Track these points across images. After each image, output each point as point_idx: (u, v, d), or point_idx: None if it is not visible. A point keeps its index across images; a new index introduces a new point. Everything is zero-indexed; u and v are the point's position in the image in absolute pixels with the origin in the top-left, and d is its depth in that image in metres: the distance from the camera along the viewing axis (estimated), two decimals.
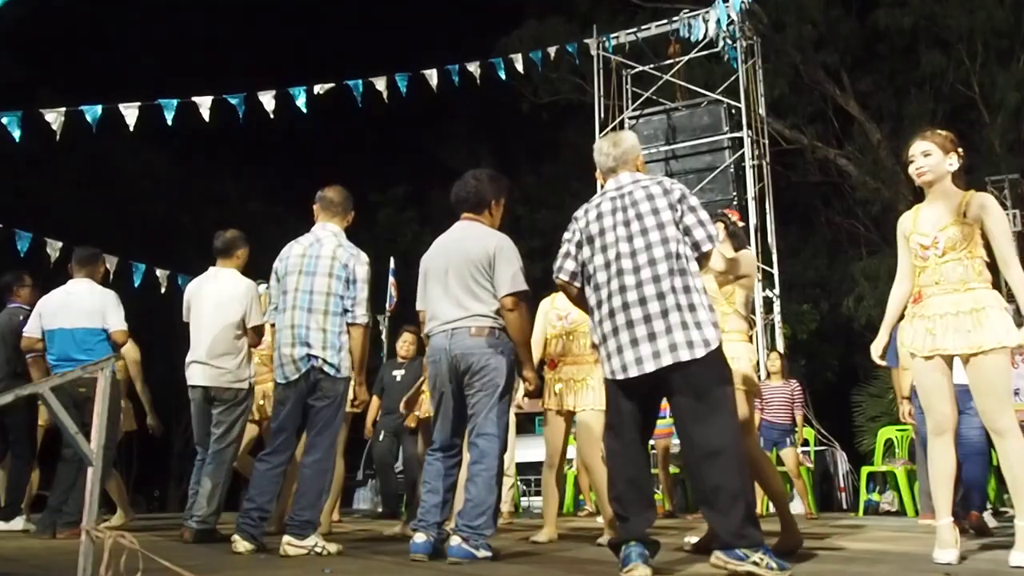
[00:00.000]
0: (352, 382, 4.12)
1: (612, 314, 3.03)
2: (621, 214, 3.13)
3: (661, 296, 2.96)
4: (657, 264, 3.00)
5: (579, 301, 3.29)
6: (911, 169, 3.47)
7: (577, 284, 3.23)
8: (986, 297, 3.26)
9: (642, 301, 2.97)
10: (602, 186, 3.38)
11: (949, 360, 3.35)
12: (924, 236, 3.40)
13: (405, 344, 6.83)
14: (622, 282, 3.03)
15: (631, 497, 2.98)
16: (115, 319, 5.12)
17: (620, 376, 2.99)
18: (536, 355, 4.79)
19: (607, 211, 3.17)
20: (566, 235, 3.29)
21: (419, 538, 3.57)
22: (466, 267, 3.68)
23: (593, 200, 3.28)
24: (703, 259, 3.11)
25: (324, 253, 4.09)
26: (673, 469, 8.53)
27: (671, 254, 3.01)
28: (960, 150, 3.46)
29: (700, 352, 2.89)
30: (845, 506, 10.16)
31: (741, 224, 4.36)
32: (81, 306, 5.10)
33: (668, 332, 2.92)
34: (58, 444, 5.33)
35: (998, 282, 3.41)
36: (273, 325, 4.21)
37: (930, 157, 3.42)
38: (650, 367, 2.92)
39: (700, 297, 3.00)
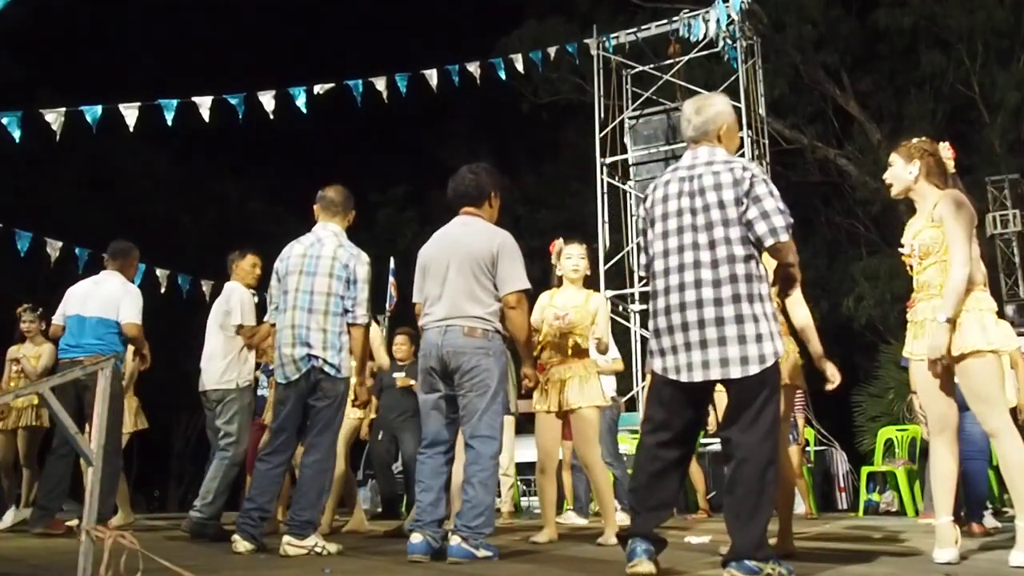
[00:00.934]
0: (353, 382, 4.14)
1: (668, 311, 2.91)
2: (687, 200, 2.93)
3: (719, 303, 2.81)
4: (719, 266, 2.83)
5: None
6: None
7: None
8: (965, 302, 3.24)
9: (699, 303, 2.83)
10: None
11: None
12: (904, 245, 3.46)
13: (400, 347, 6.90)
14: (682, 279, 2.88)
15: (647, 493, 2.94)
16: (127, 311, 5.21)
17: (672, 376, 2.90)
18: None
19: (673, 193, 2.98)
20: (640, 224, 3.17)
21: (416, 539, 3.53)
22: (469, 264, 3.66)
23: (664, 175, 3.10)
24: (771, 253, 2.90)
25: (325, 253, 4.09)
26: None
27: (733, 257, 2.82)
28: (934, 155, 3.46)
29: (753, 369, 2.77)
30: (845, 506, 10.16)
31: None
32: (101, 296, 5.21)
33: (721, 344, 2.80)
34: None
35: (996, 279, 3.45)
36: (274, 325, 4.22)
37: (892, 168, 3.50)
38: (698, 376, 2.84)
39: (762, 306, 2.83)
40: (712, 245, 2.86)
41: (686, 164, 3.04)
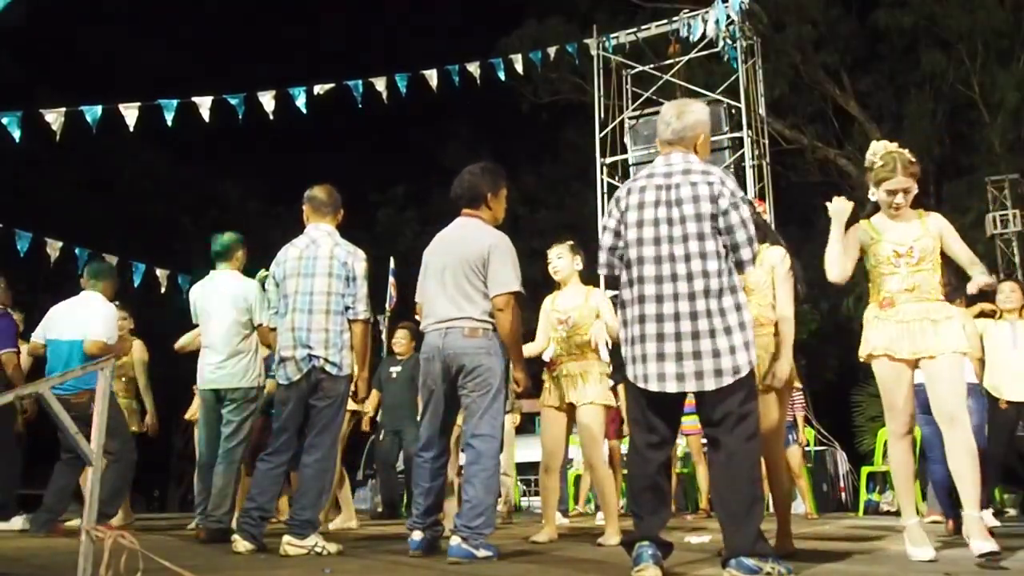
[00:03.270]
0: (355, 379, 4.14)
1: (642, 320, 2.91)
2: (664, 209, 2.93)
3: (694, 316, 2.84)
4: (694, 279, 2.85)
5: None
6: (888, 201, 3.56)
7: (618, 273, 3.09)
8: (949, 307, 3.56)
9: (675, 316, 2.85)
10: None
11: (913, 364, 3.51)
12: (900, 244, 3.55)
13: (400, 341, 6.98)
14: (658, 290, 2.89)
15: (647, 497, 2.95)
16: (95, 329, 5.15)
17: (641, 385, 2.92)
18: (536, 350, 4.78)
19: (650, 201, 2.97)
20: (606, 220, 3.13)
21: (416, 536, 3.62)
22: (461, 267, 3.69)
23: (639, 179, 3.08)
24: (743, 274, 2.98)
25: (322, 254, 4.09)
26: (676, 468, 8.54)
27: (708, 272, 2.85)
28: None
29: (727, 380, 2.81)
30: (845, 506, 10.16)
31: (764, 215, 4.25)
32: (77, 319, 5.21)
33: (696, 358, 2.82)
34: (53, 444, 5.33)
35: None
36: (273, 329, 4.22)
37: (909, 193, 3.57)
38: (672, 388, 2.86)
39: (737, 316, 2.86)
40: (687, 258, 2.88)
41: (662, 171, 3.03)
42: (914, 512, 3.48)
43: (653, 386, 2.89)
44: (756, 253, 2.98)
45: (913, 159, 3.60)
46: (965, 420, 3.39)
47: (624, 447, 8.37)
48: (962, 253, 3.58)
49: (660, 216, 2.95)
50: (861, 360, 3.65)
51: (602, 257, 3.13)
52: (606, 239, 3.11)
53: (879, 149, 3.62)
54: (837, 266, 3.60)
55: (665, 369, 2.87)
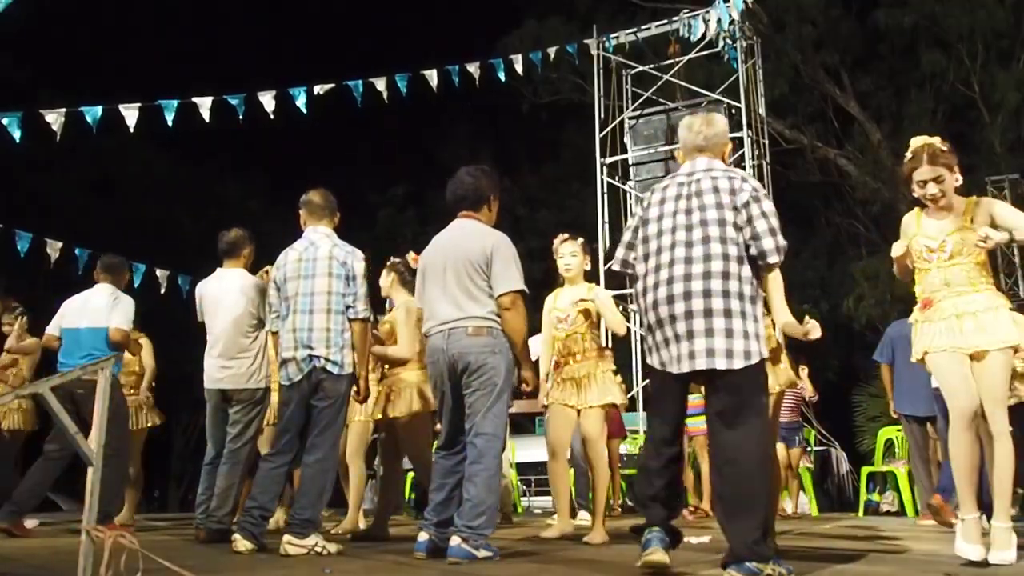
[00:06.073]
0: (358, 378, 4.14)
1: (656, 305, 2.95)
2: (684, 201, 3.02)
3: (707, 294, 2.85)
4: (711, 260, 2.88)
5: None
6: (922, 193, 3.45)
7: (630, 271, 3.15)
8: (996, 298, 3.34)
9: (687, 295, 2.88)
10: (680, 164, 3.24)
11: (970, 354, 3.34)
12: (931, 239, 3.44)
13: None
14: (671, 273, 2.93)
15: (657, 485, 2.97)
16: (116, 319, 5.18)
17: (659, 368, 2.98)
18: (546, 356, 4.79)
19: (671, 196, 3.07)
20: (631, 221, 3.22)
21: (422, 537, 3.61)
22: (464, 267, 3.68)
23: (664, 181, 3.19)
24: (768, 269, 2.97)
25: (321, 255, 4.11)
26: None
27: (727, 255, 2.88)
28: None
29: (738, 363, 2.81)
30: (845, 506, 10.17)
31: None
32: (92, 308, 5.24)
33: (708, 335, 2.83)
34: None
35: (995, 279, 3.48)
36: (275, 333, 4.22)
37: (944, 183, 3.42)
38: (685, 367, 2.88)
39: (750, 306, 2.89)
40: (705, 240, 2.92)
41: (686, 171, 3.12)
42: (973, 507, 3.25)
43: (672, 368, 2.92)
44: (781, 247, 2.93)
45: (945, 148, 3.44)
46: (1005, 432, 3.24)
47: (624, 447, 8.39)
48: (1010, 220, 3.34)
49: (680, 208, 3.02)
50: (915, 361, 3.48)
51: (620, 252, 3.20)
52: (626, 236, 3.19)
53: (914, 143, 3.51)
54: (896, 260, 3.54)
55: (681, 350, 2.89)
